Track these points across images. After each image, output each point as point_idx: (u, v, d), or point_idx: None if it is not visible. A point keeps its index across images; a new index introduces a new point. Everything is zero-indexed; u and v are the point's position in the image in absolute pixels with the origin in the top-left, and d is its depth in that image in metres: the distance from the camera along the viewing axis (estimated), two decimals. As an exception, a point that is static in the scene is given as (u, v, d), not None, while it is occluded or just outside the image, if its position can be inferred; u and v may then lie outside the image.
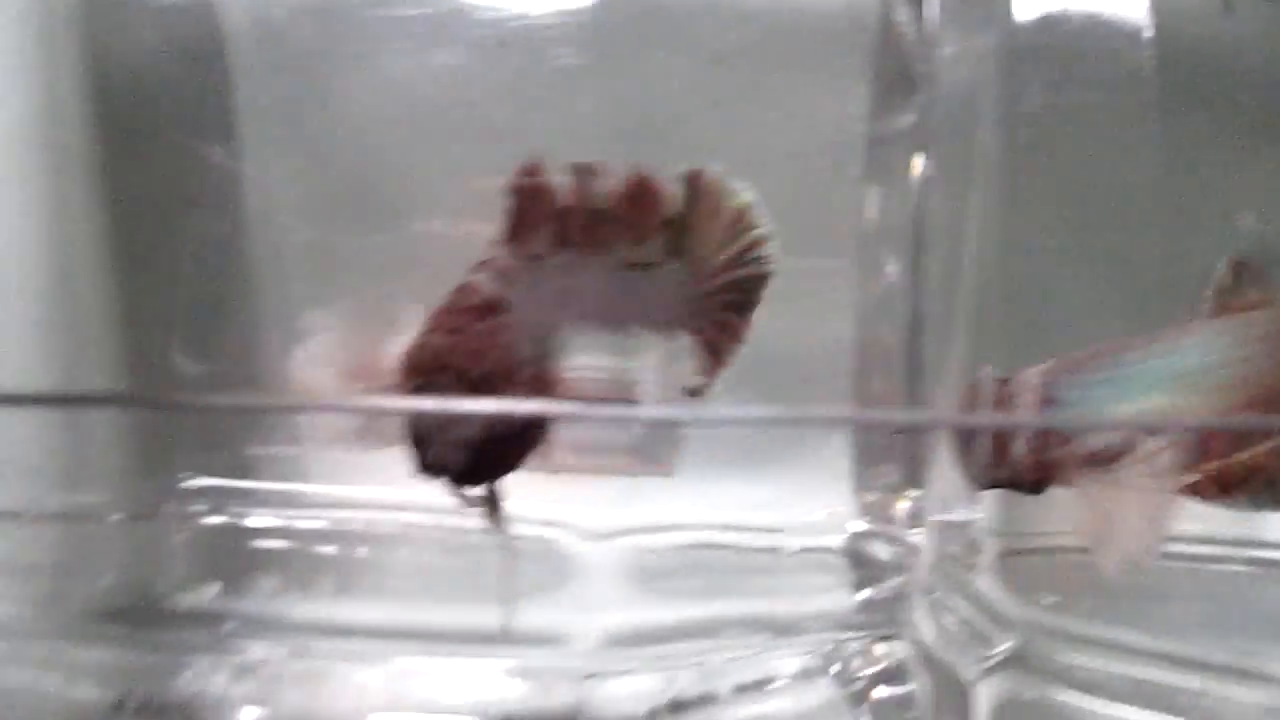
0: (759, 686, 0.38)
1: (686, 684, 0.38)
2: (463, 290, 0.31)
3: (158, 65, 0.40)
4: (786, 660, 0.39)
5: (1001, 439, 0.34)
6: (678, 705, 0.37)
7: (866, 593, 0.40)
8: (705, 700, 0.38)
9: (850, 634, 0.39)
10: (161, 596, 0.39)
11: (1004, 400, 0.34)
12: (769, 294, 0.39)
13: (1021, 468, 0.34)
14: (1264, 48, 0.39)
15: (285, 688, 0.37)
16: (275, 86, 0.41)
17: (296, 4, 0.41)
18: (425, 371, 0.28)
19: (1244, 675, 0.36)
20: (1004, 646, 0.38)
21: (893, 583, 0.40)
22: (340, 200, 0.42)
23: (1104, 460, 0.33)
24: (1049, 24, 0.38)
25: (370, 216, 0.41)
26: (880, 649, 0.39)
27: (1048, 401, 0.34)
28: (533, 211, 0.31)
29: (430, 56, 0.40)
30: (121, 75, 0.40)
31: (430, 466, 0.29)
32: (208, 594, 0.39)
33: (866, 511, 0.41)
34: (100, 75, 0.40)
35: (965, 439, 0.36)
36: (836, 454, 0.41)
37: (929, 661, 0.39)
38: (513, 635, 0.34)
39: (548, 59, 0.39)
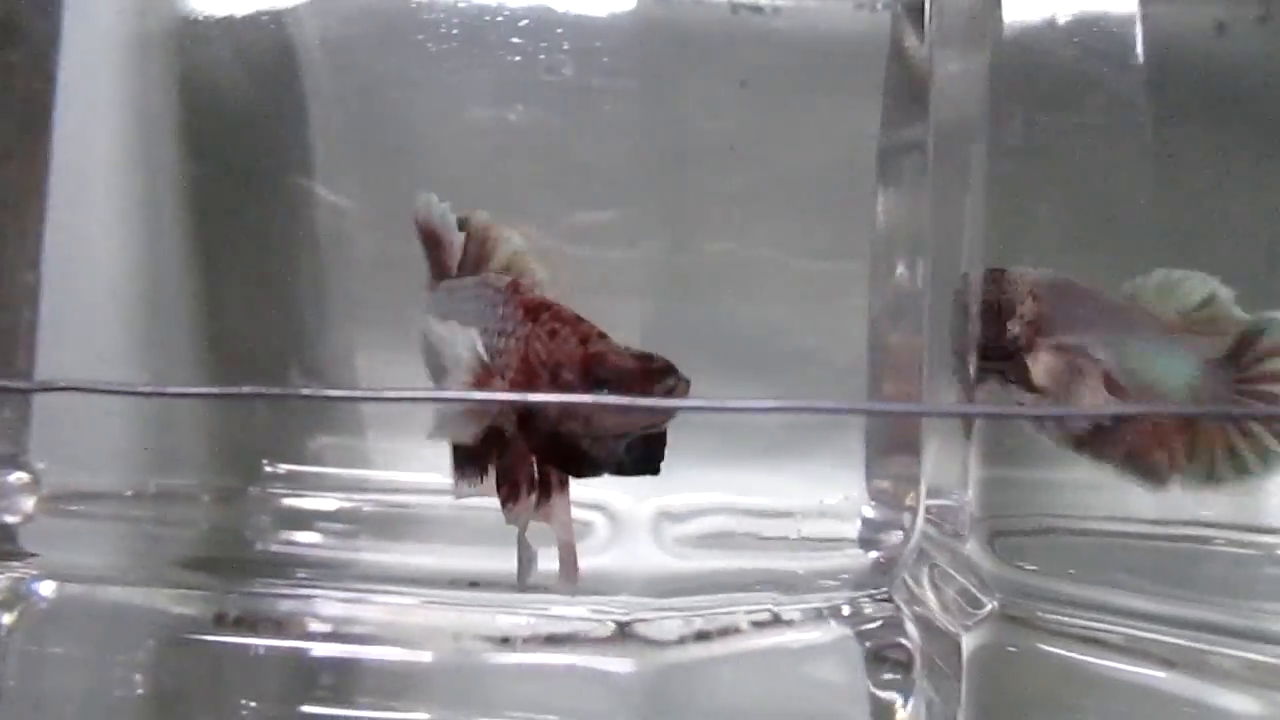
0: (775, 623, 0.43)
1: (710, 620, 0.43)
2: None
3: (239, 88, 0.45)
4: (799, 608, 0.44)
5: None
6: (703, 635, 0.42)
7: (869, 558, 0.44)
8: (727, 631, 0.43)
9: (855, 592, 0.44)
10: (242, 551, 0.44)
11: (998, 291, 0.39)
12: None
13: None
14: (1258, 69, 0.42)
15: (366, 612, 0.43)
16: (342, 107, 0.45)
17: (360, 31, 0.45)
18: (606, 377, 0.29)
19: (1213, 629, 0.40)
20: (988, 606, 0.42)
21: (891, 552, 0.44)
22: (398, 214, 0.46)
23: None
24: (1038, 45, 0.42)
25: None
26: (877, 606, 0.44)
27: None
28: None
29: (481, 80, 0.44)
30: (207, 96, 0.44)
31: (596, 464, 0.30)
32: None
33: (875, 497, 0.45)
34: (188, 96, 0.44)
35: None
36: (853, 445, 0.45)
37: (920, 619, 0.44)
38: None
39: (591, 83, 0.43)
